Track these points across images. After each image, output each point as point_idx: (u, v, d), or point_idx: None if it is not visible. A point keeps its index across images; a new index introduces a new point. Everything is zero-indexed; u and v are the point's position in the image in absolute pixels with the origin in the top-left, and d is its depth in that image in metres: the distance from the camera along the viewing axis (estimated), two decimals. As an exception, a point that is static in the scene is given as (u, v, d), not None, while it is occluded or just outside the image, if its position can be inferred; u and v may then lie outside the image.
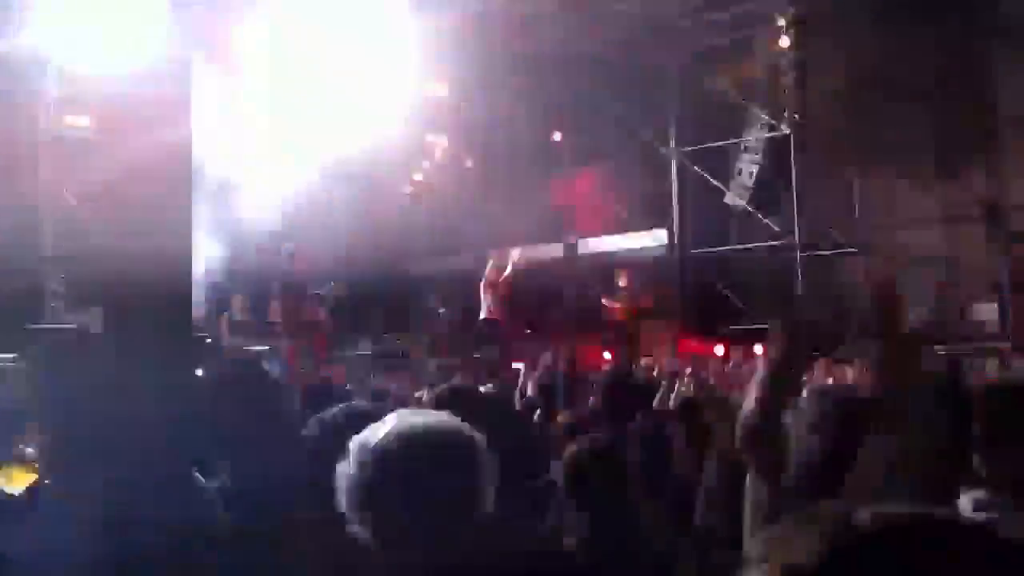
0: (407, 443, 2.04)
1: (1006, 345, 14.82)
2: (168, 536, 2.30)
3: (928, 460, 2.38)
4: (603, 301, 18.04)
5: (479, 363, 15.10)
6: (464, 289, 19.39)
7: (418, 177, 21.36)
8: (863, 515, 1.02)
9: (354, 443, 2.10)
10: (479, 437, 2.12)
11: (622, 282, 18.06)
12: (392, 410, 2.21)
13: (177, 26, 3.14)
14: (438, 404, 4.29)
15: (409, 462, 2.01)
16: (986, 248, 18.05)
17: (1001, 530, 1.01)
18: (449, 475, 2.03)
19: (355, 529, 2.07)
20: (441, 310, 20.42)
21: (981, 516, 2.46)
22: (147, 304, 2.77)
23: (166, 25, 3.11)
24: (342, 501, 2.06)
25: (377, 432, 2.09)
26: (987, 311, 17.35)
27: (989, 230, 17.95)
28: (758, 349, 17.60)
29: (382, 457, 2.03)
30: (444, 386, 6.10)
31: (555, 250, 21.39)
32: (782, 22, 17.60)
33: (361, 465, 2.04)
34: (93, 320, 10.18)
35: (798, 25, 17.70)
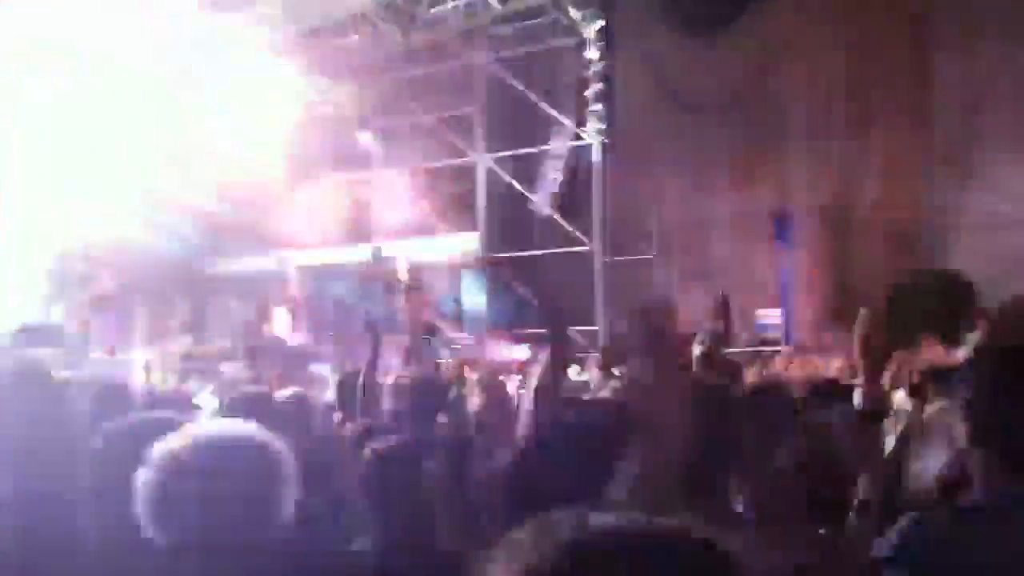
0: (201, 449, 2.04)
1: (787, 348, 15.62)
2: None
3: (693, 464, 2.47)
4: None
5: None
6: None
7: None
8: (597, 520, 1.08)
9: (153, 450, 2.09)
10: (277, 444, 2.13)
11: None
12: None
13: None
14: (230, 410, 4.20)
15: (202, 467, 2.01)
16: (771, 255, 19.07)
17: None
18: (243, 480, 2.03)
19: (150, 535, 2.06)
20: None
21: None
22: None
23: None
24: (139, 507, 2.05)
25: (174, 439, 2.09)
26: (772, 315, 18.30)
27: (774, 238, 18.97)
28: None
29: (176, 463, 2.03)
30: (237, 393, 5.97)
31: (361, 252, 21.34)
32: (589, 34, 18.05)
33: (156, 471, 2.04)
34: None
35: (606, 37, 18.21)
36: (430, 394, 5.26)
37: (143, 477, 2.05)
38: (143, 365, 16.79)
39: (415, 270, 17.91)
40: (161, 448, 2.07)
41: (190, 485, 1.99)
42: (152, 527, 2.02)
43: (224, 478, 2.01)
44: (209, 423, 2.19)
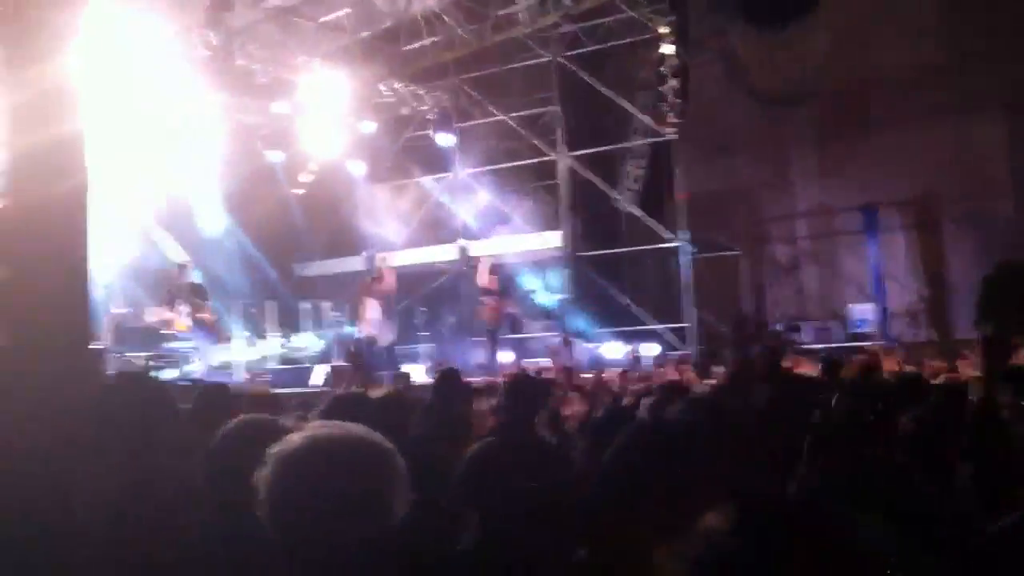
0: (319, 451, 2.10)
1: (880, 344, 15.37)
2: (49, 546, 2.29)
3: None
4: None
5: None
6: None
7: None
8: None
9: (271, 451, 2.14)
10: (390, 447, 2.18)
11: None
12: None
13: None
14: (330, 411, 4.30)
15: (319, 469, 2.07)
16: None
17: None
18: (358, 482, 2.09)
19: (270, 534, 2.11)
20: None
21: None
22: (41, 316, 2.70)
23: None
24: (258, 507, 2.10)
25: (292, 440, 2.15)
26: (864, 311, 18.00)
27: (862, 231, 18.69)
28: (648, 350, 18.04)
29: (294, 464, 2.09)
30: (335, 394, 6.08)
31: (446, 252, 21.58)
32: (665, 29, 17.94)
33: (275, 471, 2.10)
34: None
35: (679, 32, 18.07)
36: (527, 394, 5.25)
37: (262, 477, 2.10)
38: (241, 366, 17.30)
39: (496, 268, 17.96)
40: (279, 448, 2.13)
41: (309, 485, 2.05)
42: (271, 525, 2.08)
43: (342, 478, 2.06)
44: (328, 426, 2.23)
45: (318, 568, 2.06)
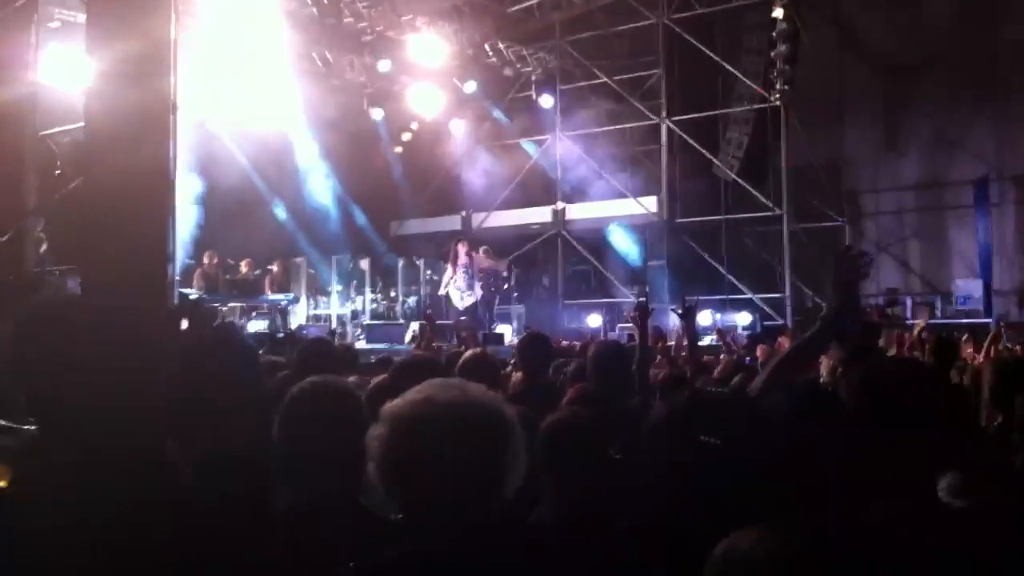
0: (435, 413, 2.03)
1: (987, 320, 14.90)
2: (139, 507, 2.31)
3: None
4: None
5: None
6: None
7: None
8: None
9: (385, 410, 2.09)
10: (510, 412, 2.11)
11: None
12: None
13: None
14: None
15: (436, 431, 2.01)
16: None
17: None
18: (475, 447, 2.02)
19: (380, 495, 2.10)
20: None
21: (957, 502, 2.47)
22: (123, 267, 2.73)
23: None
24: (370, 468, 2.07)
25: (407, 400, 2.09)
26: (969, 287, 17.46)
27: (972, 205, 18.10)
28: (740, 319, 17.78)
29: (410, 425, 2.04)
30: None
31: (541, 214, 21.55)
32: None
33: (391, 432, 2.05)
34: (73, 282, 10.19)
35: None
36: (607, 361, 5.17)
37: (375, 435, 2.06)
38: (333, 325, 17.60)
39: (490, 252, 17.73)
40: (396, 408, 2.08)
41: (423, 448, 2.00)
42: (381, 485, 2.05)
43: (463, 441, 2.00)
44: (445, 386, 2.14)
45: (427, 535, 2.02)
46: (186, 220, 14.67)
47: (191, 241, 15.64)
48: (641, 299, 7.09)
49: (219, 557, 2.41)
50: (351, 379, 4.36)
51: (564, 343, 11.76)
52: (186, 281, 14.95)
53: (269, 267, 17.31)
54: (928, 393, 2.42)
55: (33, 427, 2.55)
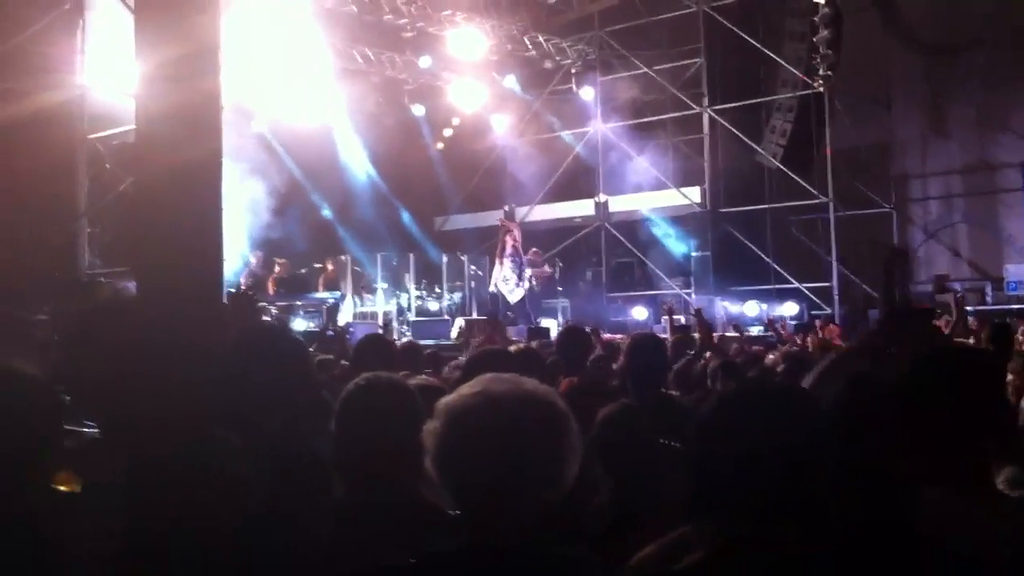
0: (490, 406, 2.03)
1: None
2: (199, 496, 2.34)
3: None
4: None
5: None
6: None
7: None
8: None
9: (440, 404, 2.08)
10: (564, 404, 2.09)
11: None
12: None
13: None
14: (471, 366, 4.28)
15: (497, 426, 2.00)
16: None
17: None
18: (532, 441, 2.00)
19: (436, 487, 2.11)
20: None
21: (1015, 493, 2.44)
22: (178, 270, 2.76)
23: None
24: (427, 462, 2.06)
25: (462, 393, 2.09)
26: (1020, 272, 17.16)
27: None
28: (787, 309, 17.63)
29: (465, 418, 2.03)
30: (477, 349, 6.11)
31: (583, 207, 21.53)
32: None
33: (447, 425, 2.04)
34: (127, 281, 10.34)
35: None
36: (651, 355, 5.15)
37: (431, 429, 2.06)
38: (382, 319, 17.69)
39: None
40: (452, 401, 2.08)
41: (477, 441, 1.99)
42: (440, 480, 2.04)
43: (520, 434, 1.99)
44: (503, 380, 2.12)
45: (484, 529, 2.03)
46: (232, 221, 14.80)
47: (247, 241, 15.87)
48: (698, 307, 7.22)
49: (278, 548, 2.45)
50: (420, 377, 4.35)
51: (605, 336, 11.70)
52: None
53: (318, 265, 17.42)
54: (993, 383, 2.39)
55: (93, 430, 2.60)
